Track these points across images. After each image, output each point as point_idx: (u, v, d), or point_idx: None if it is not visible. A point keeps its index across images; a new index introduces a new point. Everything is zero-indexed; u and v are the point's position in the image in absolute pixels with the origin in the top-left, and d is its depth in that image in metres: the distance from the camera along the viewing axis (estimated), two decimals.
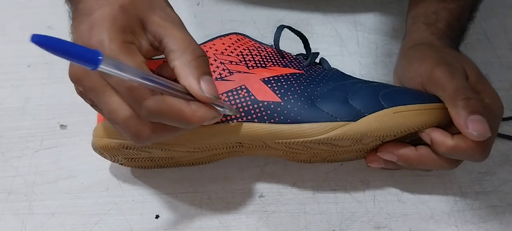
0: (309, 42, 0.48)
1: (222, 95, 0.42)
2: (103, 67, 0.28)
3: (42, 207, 0.47)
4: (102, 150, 0.43)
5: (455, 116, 0.41)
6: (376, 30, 0.61)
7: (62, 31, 0.59)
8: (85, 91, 0.36)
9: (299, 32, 0.48)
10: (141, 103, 0.33)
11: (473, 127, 0.40)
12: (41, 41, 0.26)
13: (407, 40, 0.52)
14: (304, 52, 0.48)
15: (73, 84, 0.53)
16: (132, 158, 0.45)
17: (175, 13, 0.39)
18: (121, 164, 0.47)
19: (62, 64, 0.56)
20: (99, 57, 0.28)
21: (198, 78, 0.35)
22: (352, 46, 0.59)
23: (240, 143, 0.44)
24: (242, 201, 0.48)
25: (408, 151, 0.44)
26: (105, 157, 0.45)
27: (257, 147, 0.45)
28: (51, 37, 0.26)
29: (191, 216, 0.47)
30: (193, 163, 0.48)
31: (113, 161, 0.46)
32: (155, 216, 0.47)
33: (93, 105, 0.39)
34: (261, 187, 0.49)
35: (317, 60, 0.48)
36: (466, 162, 0.45)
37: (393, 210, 0.48)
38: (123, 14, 0.35)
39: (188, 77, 0.35)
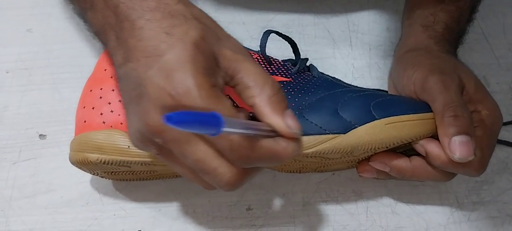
0: (301, 43, 0.46)
1: None
2: (225, 130, 0.27)
3: (20, 223, 0.45)
4: (79, 164, 0.41)
5: (440, 133, 0.40)
6: (369, 31, 0.58)
7: (42, 34, 0.57)
8: (166, 143, 0.32)
9: (288, 37, 0.45)
10: (244, 153, 0.31)
11: (455, 148, 0.39)
12: (178, 120, 0.25)
13: (403, 44, 0.50)
14: (293, 57, 0.46)
15: (52, 92, 0.52)
16: (112, 172, 0.43)
17: (237, 41, 0.36)
18: (102, 177, 0.45)
19: (41, 70, 0.54)
20: (221, 121, 0.26)
21: (282, 115, 0.33)
22: (345, 48, 0.57)
23: None
24: (229, 214, 0.46)
25: (401, 162, 0.42)
26: (84, 170, 0.43)
27: None
28: (184, 113, 0.25)
29: None
30: (176, 175, 0.45)
31: (93, 174, 0.44)
32: None
33: (164, 154, 0.34)
34: (249, 199, 0.46)
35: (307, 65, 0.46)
36: None
37: (386, 222, 0.46)
38: (200, 53, 0.32)
39: (273, 115, 0.33)
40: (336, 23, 0.59)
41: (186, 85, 0.31)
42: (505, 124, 0.52)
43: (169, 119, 0.25)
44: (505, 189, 0.48)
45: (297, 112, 0.40)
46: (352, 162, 0.44)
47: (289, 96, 0.41)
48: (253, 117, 0.34)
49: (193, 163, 0.32)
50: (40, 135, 0.50)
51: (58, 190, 0.46)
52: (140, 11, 0.33)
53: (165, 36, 0.32)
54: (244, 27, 0.58)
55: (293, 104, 0.40)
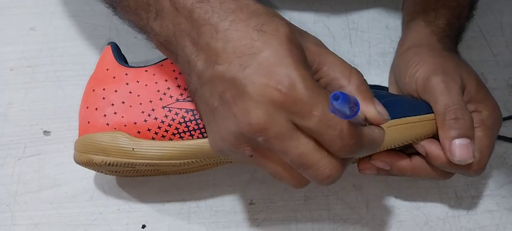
0: None
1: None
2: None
3: (25, 218, 0.45)
4: (84, 165, 0.41)
5: (441, 135, 0.41)
6: (369, 29, 0.59)
7: (45, 32, 0.58)
8: (269, 140, 0.32)
9: None
10: (349, 142, 0.32)
11: (455, 150, 0.40)
12: (343, 99, 0.26)
13: (405, 39, 0.50)
14: None
15: (56, 89, 0.52)
16: (117, 171, 0.44)
17: (314, 36, 0.37)
18: (106, 174, 0.45)
19: (45, 68, 0.55)
20: (358, 102, 0.28)
21: (372, 103, 0.34)
22: (344, 46, 0.58)
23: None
24: (232, 208, 0.46)
25: (402, 162, 0.43)
26: (88, 169, 0.44)
27: None
28: (343, 93, 0.26)
29: (179, 225, 0.45)
30: (180, 172, 0.46)
31: (98, 172, 0.45)
32: (141, 226, 0.45)
33: (259, 154, 0.34)
34: (252, 194, 0.47)
35: None
36: None
37: (386, 216, 0.46)
38: (295, 46, 0.32)
39: (364, 104, 0.34)
40: (336, 21, 0.60)
41: (291, 78, 0.30)
42: (503, 119, 0.52)
43: (337, 98, 0.26)
44: (503, 183, 0.49)
45: None
46: (353, 160, 0.45)
47: None
48: None
49: (296, 158, 0.32)
50: (45, 131, 0.50)
51: (63, 185, 0.47)
52: (221, 14, 0.33)
53: (257, 34, 0.32)
54: None
55: None
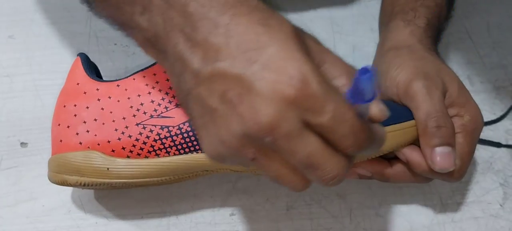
0: None
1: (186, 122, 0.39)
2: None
3: None
4: (58, 184, 0.40)
5: (422, 142, 0.40)
6: (353, 32, 0.58)
7: (23, 40, 0.57)
8: (277, 140, 0.30)
9: None
10: (360, 136, 0.30)
11: (436, 159, 0.39)
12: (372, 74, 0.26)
13: (385, 40, 0.49)
14: None
15: (34, 99, 0.51)
16: (93, 188, 0.42)
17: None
18: (83, 189, 0.45)
19: (23, 77, 0.54)
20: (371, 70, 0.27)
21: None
22: None
23: (207, 170, 0.41)
24: (212, 220, 0.45)
25: (383, 168, 0.43)
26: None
27: (226, 170, 0.42)
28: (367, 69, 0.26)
29: None
30: (159, 184, 0.45)
31: (74, 187, 0.44)
32: None
33: (262, 156, 0.32)
34: (232, 205, 0.46)
35: None
36: None
37: (370, 225, 0.46)
38: (300, 40, 0.31)
39: None
40: (320, 24, 0.59)
41: (303, 73, 0.29)
42: (490, 122, 0.52)
43: (365, 71, 0.25)
44: (489, 189, 0.48)
45: None
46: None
47: None
48: None
49: (304, 158, 0.30)
50: (22, 143, 0.49)
51: (40, 199, 0.46)
52: (219, 8, 0.31)
53: (262, 28, 0.30)
54: None
55: None
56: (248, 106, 0.29)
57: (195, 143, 0.39)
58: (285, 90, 0.29)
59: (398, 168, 0.42)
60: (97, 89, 0.39)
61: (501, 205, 0.47)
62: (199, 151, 0.39)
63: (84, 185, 0.39)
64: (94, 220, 0.45)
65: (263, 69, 0.29)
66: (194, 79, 0.31)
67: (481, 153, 0.50)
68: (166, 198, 0.46)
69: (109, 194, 0.46)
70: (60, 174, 0.39)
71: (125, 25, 0.36)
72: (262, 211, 0.46)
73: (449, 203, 0.47)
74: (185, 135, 0.39)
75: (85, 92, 0.39)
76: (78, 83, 0.40)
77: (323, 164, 0.30)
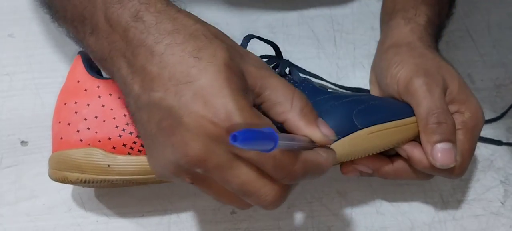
0: (285, 44, 0.46)
1: None
2: (280, 143, 0.27)
3: None
4: (59, 182, 0.40)
5: (423, 139, 0.40)
6: (354, 30, 0.58)
7: (23, 39, 0.56)
8: (208, 171, 0.31)
9: (269, 40, 0.45)
10: (289, 169, 0.31)
11: (437, 155, 0.39)
12: (244, 138, 0.24)
13: (385, 38, 0.49)
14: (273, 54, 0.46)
15: (34, 97, 0.51)
16: (93, 186, 0.42)
17: (256, 56, 0.35)
18: (84, 187, 0.44)
19: (23, 75, 0.53)
20: (277, 136, 0.26)
21: (317, 125, 0.33)
22: (329, 48, 0.57)
23: None
24: (213, 218, 0.45)
25: (384, 165, 0.43)
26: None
27: None
28: (248, 130, 0.25)
29: None
30: (160, 181, 0.45)
31: (75, 185, 0.44)
32: None
33: (199, 182, 0.33)
34: None
35: (286, 70, 0.45)
36: None
37: (371, 223, 0.46)
38: (233, 74, 0.31)
39: (308, 127, 0.33)
40: (321, 22, 0.59)
41: (228, 110, 0.29)
42: (491, 120, 0.52)
43: (235, 138, 0.24)
44: (490, 187, 0.48)
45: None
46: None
47: None
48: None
49: (238, 186, 0.31)
50: (22, 142, 0.49)
51: (41, 197, 0.46)
52: (156, 35, 0.32)
53: (193, 61, 0.31)
54: (228, 28, 0.58)
55: None
56: (179, 139, 0.30)
57: None
58: (209, 126, 0.30)
59: (399, 164, 0.42)
60: (98, 87, 0.39)
61: (502, 203, 0.47)
62: None
63: (85, 182, 0.39)
64: (95, 218, 0.45)
65: (190, 104, 0.30)
66: (136, 104, 0.33)
67: (482, 151, 0.50)
68: (167, 196, 0.46)
69: (110, 192, 0.46)
70: (60, 171, 0.39)
71: (81, 43, 0.37)
72: (262, 209, 0.46)
73: (450, 201, 0.47)
74: None
75: (85, 90, 0.39)
76: (78, 81, 0.40)
77: (257, 191, 0.32)
